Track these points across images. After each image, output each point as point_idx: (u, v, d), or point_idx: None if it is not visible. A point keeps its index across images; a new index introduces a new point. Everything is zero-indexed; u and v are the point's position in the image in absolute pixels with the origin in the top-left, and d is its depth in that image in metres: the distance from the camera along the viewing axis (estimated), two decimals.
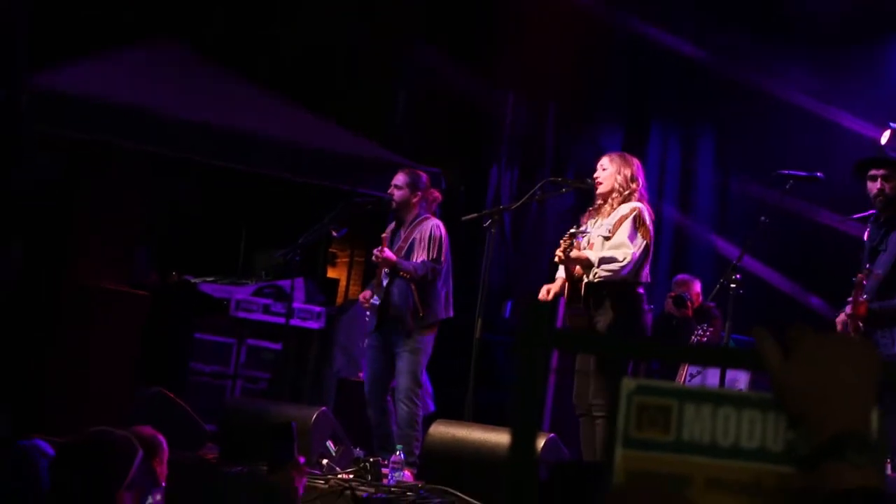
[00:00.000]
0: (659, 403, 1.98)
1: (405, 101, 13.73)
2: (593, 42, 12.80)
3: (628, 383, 2.00)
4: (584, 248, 8.08)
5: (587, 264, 7.97)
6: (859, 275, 7.06)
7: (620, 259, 7.91)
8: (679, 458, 1.96)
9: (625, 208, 8.06)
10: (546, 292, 8.16)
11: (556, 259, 8.02)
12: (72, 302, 9.90)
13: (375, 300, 9.06)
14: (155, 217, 12.49)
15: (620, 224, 8.00)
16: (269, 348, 11.39)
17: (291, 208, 12.77)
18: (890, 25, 11.62)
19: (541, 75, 13.31)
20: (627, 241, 7.93)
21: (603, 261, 7.94)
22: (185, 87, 11.96)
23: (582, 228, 8.11)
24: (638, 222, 7.97)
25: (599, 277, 7.96)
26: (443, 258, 9.04)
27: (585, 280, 8.01)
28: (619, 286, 7.97)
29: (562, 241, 7.95)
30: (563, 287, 8.21)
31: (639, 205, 8.05)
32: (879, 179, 7.31)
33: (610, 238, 8.00)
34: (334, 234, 9.74)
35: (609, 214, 8.12)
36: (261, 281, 11.87)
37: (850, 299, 7.11)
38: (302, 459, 5.04)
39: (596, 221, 8.19)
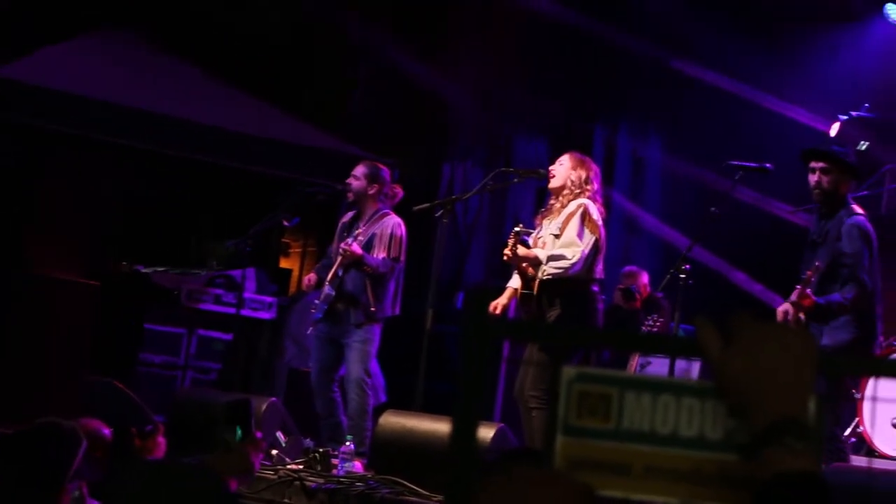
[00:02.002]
0: (599, 391, 1.99)
1: (360, 92, 13.70)
2: (543, 35, 12.81)
3: (569, 371, 2.01)
4: (536, 247, 8.11)
5: (536, 262, 7.98)
6: (809, 271, 7.10)
7: (569, 257, 7.94)
8: (618, 445, 1.97)
9: (572, 206, 8.08)
10: (494, 308, 8.18)
11: (505, 258, 8.03)
12: (22, 291, 9.82)
13: (329, 290, 9.03)
14: (107, 207, 12.42)
15: (568, 221, 8.02)
16: (220, 339, 11.35)
17: (244, 198, 12.72)
18: (841, 17, 11.69)
19: (492, 68, 13.32)
20: (576, 239, 7.95)
21: (551, 258, 7.97)
22: (139, 77, 11.90)
23: (523, 227, 8.11)
24: (585, 219, 8.00)
25: (548, 275, 7.97)
26: (401, 257, 9.03)
27: (538, 278, 8.03)
28: (572, 284, 7.99)
29: (508, 241, 7.98)
30: (510, 299, 8.26)
31: (586, 201, 8.08)
32: (818, 172, 7.35)
33: (560, 236, 8.02)
34: (286, 223, 9.70)
35: (559, 213, 8.14)
36: (212, 271, 11.81)
37: (797, 287, 7.16)
38: (259, 434, 5.03)
39: (550, 222, 8.21)
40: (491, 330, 2.13)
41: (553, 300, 8.02)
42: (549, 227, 8.15)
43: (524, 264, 8.04)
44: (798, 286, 7.19)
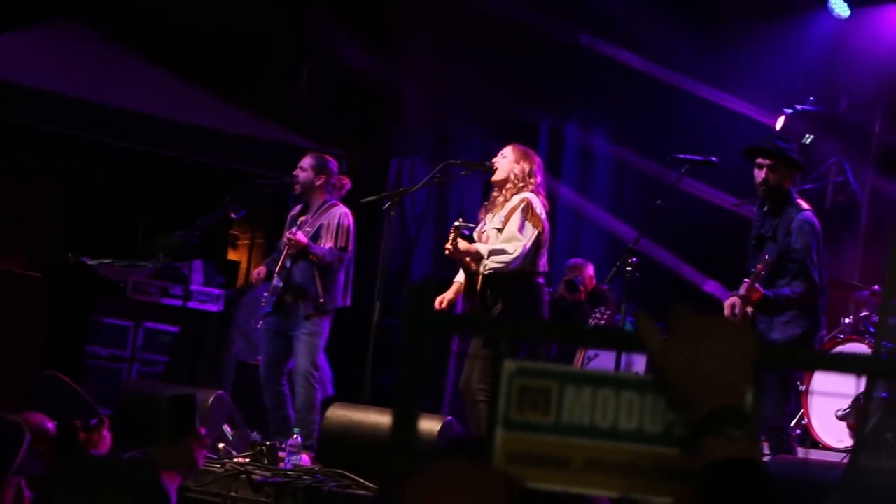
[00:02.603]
0: (539, 385, 1.99)
1: (308, 84, 13.67)
2: (490, 28, 12.83)
3: (509, 365, 2.01)
4: (480, 241, 8.13)
5: (478, 256, 8.00)
6: (759, 266, 7.15)
7: (511, 251, 7.96)
8: (559, 439, 1.98)
9: (515, 199, 8.09)
10: (440, 303, 8.19)
11: (447, 252, 8.03)
12: None
13: (277, 281, 9.00)
14: (53, 198, 12.34)
15: (511, 215, 8.03)
16: (167, 331, 11.29)
17: (191, 190, 12.66)
18: (787, 11, 11.76)
19: (440, 60, 13.33)
20: (517, 234, 7.96)
21: (493, 253, 7.98)
22: (86, 68, 11.83)
23: (463, 221, 8.12)
24: (528, 213, 8.01)
25: (490, 269, 8.00)
26: (349, 247, 9.02)
27: (480, 273, 8.05)
28: (516, 278, 8.01)
29: (449, 235, 7.99)
30: (457, 293, 8.28)
31: (528, 195, 8.09)
32: (765, 169, 7.42)
33: (502, 230, 8.04)
34: (233, 215, 9.68)
35: (502, 206, 8.15)
36: (159, 263, 11.75)
37: (745, 281, 7.21)
38: (203, 431, 5.02)
39: (493, 216, 8.22)
40: (431, 323, 2.14)
41: (497, 294, 8.04)
42: (492, 220, 8.16)
43: (466, 259, 8.05)
44: (746, 280, 7.24)
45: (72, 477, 4.42)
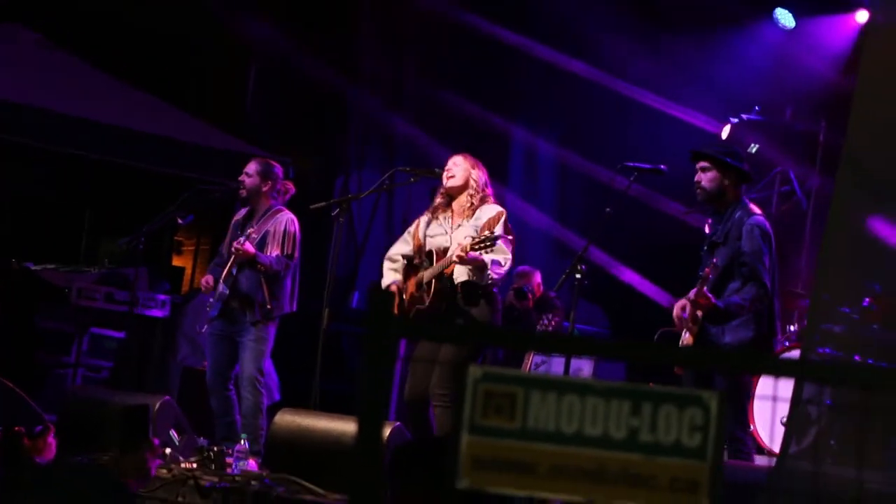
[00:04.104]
0: (505, 391, 2.01)
1: (256, 90, 13.63)
2: (440, 35, 12.85)
3: (475, 371, 2.02)
4: (441, 247, 8.13)
5: (482, 266, 7.98)
6: (706, 269, 7.18)
7: (503, 264, 8.02)
8: (524, 445, 1.99)
9: (490, 210, 8.14)
10: (397, 287, 8.22)
11: (456, 258, 7.94)
12: None
13: (223, 288, 8.97)
14: None
15: (490, 226, 8.04)
16: (112, 337, 11.21)
17: (136, 195, 12.59)
18: (732, 21, 11.85)
19: (389, 66, 13.34)
20: (503, 246, 8.00)
21: (494, 262, 8.01)
22: (30, 73, 11.74)
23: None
24: (506, 228, 8.07)
25: (466, 279, 8.01)
26: (296, 254, 9.00)
27: (436, 280, 8.05)
28: (475, 287, 8.04)
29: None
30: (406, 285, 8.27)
31: (502, 209, 8.16)
32: (699, 171, 7.48)
33: None
34: (179, 221, 9.62)
35: (467, 213, 8.17)
36: (103, 268, 11.66)
37: (694, 289, 7.24)
38: (156, 441, 5.00)
39: (445, 219, 8.23)
40: (394, 328, 2.14)
41: (468, 302, 8.06)
42: (459, 228, 8.16)
43: (469, 267, 8.04)
44: (694, 289, 7.28)
45: (24, 484, 4.38)
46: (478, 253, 7.82)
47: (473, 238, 7.83)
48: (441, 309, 8.07)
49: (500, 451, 2.00)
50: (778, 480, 6.11)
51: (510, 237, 8.09)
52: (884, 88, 6.56)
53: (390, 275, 8.39)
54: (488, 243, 7.75)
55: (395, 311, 7.99)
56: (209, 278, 9.17)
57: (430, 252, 8.22)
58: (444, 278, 8.09)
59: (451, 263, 8.00)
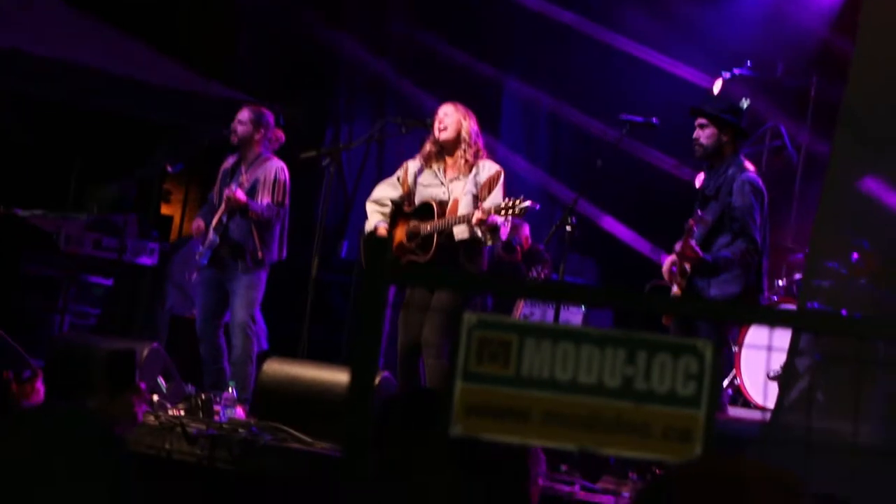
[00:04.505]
0: (499, 338, 2.00)
1: (247, 37, 13.56)
2: None
3: (469, 318, 2.02)
4: (438, 199, 8.11)
5: (496, 229, 7.95)
6: (690, 220, 7.22)
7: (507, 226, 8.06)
8: (518, 392, 1.99)
9: (490, 168, 8.13)
10: (385, 230, 8.20)
11: (477, 220, 7.85)
12: None
13: (214, 236, 8.95)
14: None
15: (490, 186, 8.04)
16: (100, 284, 11.19)
17: (126, 143, 12.53)
18: None
19: (380, 15, 13.27)
20: (501, 203, 7.99)
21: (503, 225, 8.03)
22: (18, 18, 11.66)
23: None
24: (504, 186, 8.06)
25: (482, 237, 8.01)
26: (286, 201, 8.98)
27: (439, 235, 8.03)
28: (475, 243, 8.04)
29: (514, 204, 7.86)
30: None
31: (500, 168, 8.18)
32: (697, 128, 7.51)
33: (478, 196, 8.04)
34: (169, 169, 9.59)
35: (464, 168, 8.13)
36: (92, 215, 11.62)
37: (679, 242, 7.27)
38: (143, 385, 4.99)
39: (439, 169, 8.20)
40: (390, 275, 2.13)
41: (469, 258, 8.06)
42: (456, 182, 8.12)
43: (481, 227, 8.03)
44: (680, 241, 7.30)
45: (19, 429, 4.36)
46: (500, 217, 7.82)
47: (498, 204, 7.80)
48: (442, 265, 8.04)
49: (493, 399, 2.00)
50: (774, 432, 6.15)
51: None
52: (883, 45, 6.55)
53: (377, 216, 8.33)
54: (515, 211, 7.74)
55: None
56: (200, 223, 9.15)
57: (428, 204, 8.16)
58: (447, 234, 8.06)
59: (466, 222, 7.95)
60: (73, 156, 13.02)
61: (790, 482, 1.78)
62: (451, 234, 8.02)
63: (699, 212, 7.28)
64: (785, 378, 6.67)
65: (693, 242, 7.18)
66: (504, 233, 7.96)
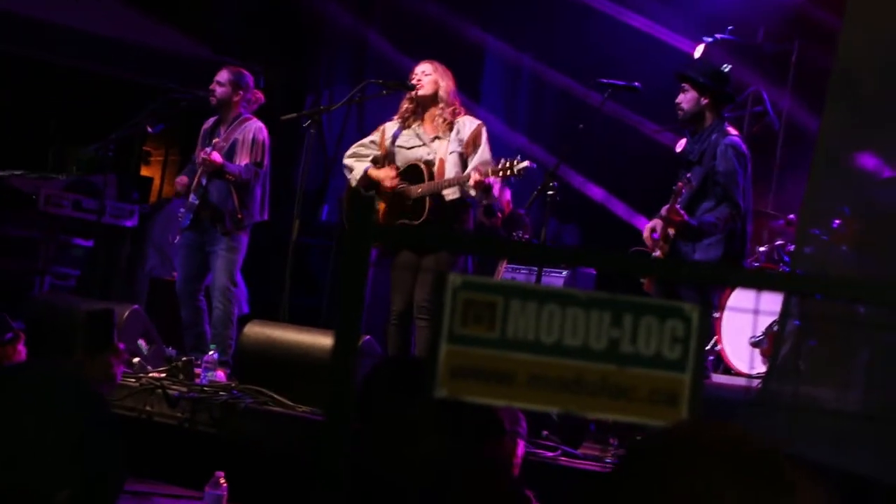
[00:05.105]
0: (485, 299, 1.99)
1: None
2: None
3: (454, 279, 2.00)
4: (423, 159, 8.07)
5: (489, 189, 7.90)
6: (679, 183, 7.21)
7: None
8: (503, 354, 1.98)
9: (470, 123, 8.09)
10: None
11: (474, 182, 7.82)
12: None
13: (193, 199, 8.92)
14: None
15: (476, 141, 8.00)
16: (80, 245, 11.15)
17: (105, 103, 12.47)
18: None
19: None
20: (492, 161, 7.96)
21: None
22: None
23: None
24: (488, 141, 8.01)
25: (478, 199, 7.97)
26: (265, 162, 8.95)
27: (431, 198, 8.00)
28: (462, 205, 8.02)
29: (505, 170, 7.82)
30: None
31: (480, 122, 8.14)
32: (680, 92, 7.53)
33: (464, 154, 8.01)
34: (149, 129, 9.55)
35: (443, 127, 8.09)
36: (72, 176, 11.56)
37: (666, 206, 7.26)
38: (122, 346, 4.97)
39: (418, 129, 8.15)
40: (373, 235, 2.12)
41: (458, 220, 8.03)
42: (438, 142, 8.08)
43: (476, 189, 7.98)
44: (666, 205, 7.29)
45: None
46: (496, 178, 7.79)
47: (495, 166, 7.77)
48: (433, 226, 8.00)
49: (478, 361, 1.99)
50: (764, 397, 6.18)
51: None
52: (874, 11, 6.53)
53: (361, 164, 8.27)
54: (514, 171, 7.72)
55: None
56: (184, 179, 9.11)
57: (416, 166, 8.10)
58: (439, 195, 8.02)
59: (459, 184, 7.92)
60: (50, 116, 12.95)
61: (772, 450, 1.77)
62: (441, 195, 8.00)
63: (688, 174, 7.27)
64: (775, 344, 6.69)
65: (679, 207, 7.18)
66: (496, 190, 7.91)
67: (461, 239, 2.24)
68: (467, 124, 8.10)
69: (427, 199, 8.01)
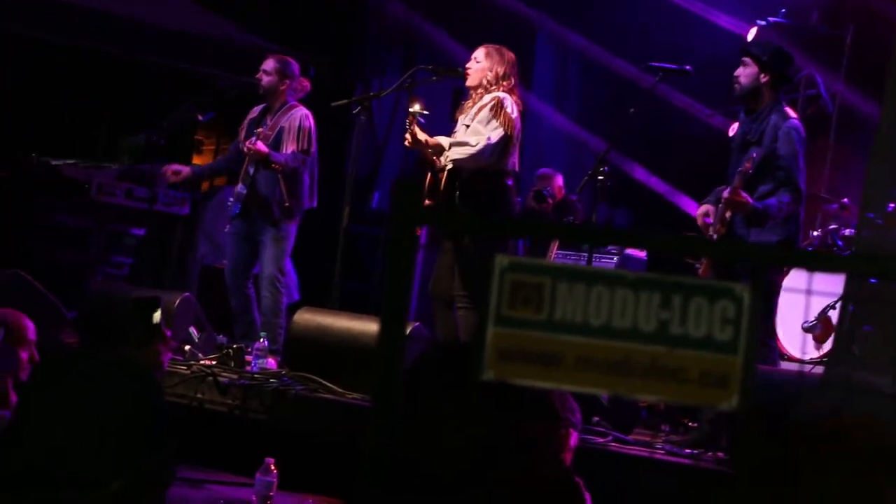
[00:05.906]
0: (532, 281, 1.96)
1: None
2: None
3: (501, 260, 1.98)
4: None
5: (439, 149, 7.88)
6: (746, 164, 7.04)
7: (473, 143, 7.78)
8: (551, 336, 1.95)
9: (487, 98, 7.94)
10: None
11: (406, 143, 7.93)
12: None
13: (242, 188, 8.94)
14: (8, 98, 12.18)
15: (480, 111, 7.90)
16: (132, 234, 11.19)
17: (158, 91, 12.51)
18: None
19: None
20: (481, 128, 7.82)
21: (454, 144, 7.86)
22: None
23: (419, 108, 7.96)
24: (496, 110, 7.83)
25: (451, 161, 7.86)
26: (312, 149, 8.94)
27: (445, 168, 7.92)
28: (487, 178, 7.88)
29: (406, 123, 7.88)
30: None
31: (500, 94, 7.90)
32: (741, 66, 7.40)
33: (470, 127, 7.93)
34: (200, 118, 9.58)
35: (472, 106, 8.04)
36: (123, 164, 11.61)
37: (725, 187, 7.13)
38: (168, 333, 4.98)
39: (465, 117, 8.09)
40: (418, 219, 2.09)
41: (469, 194, 7.87)
42: (463, 121, 8.03)
43: (427, 151, 7.93)
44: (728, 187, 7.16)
45: (72, 373, 4.38)
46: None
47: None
48: (438, 201, 7.88)
49: (526, 343, 1.96)
50: (830, 381, 6.13)
51: (499, 121, 7.84)
52: None
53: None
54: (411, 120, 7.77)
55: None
56: (184, 169, 9.19)
57: (440, 146, 8.07)
58: (436, 170, 7.95)
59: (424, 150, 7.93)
60: (102, 105, 13.01)
61: None
62: (454, 170, 7.90)
63: (754, 154, 7.11)
64: (842, 327, 6.64)
65: (742, 190, 7.03)
66: (460, 151, 7.81)
67: (502, 224, 2.21)
68: (486, 99, 7.95)
69: (442, 176, 7.93)
